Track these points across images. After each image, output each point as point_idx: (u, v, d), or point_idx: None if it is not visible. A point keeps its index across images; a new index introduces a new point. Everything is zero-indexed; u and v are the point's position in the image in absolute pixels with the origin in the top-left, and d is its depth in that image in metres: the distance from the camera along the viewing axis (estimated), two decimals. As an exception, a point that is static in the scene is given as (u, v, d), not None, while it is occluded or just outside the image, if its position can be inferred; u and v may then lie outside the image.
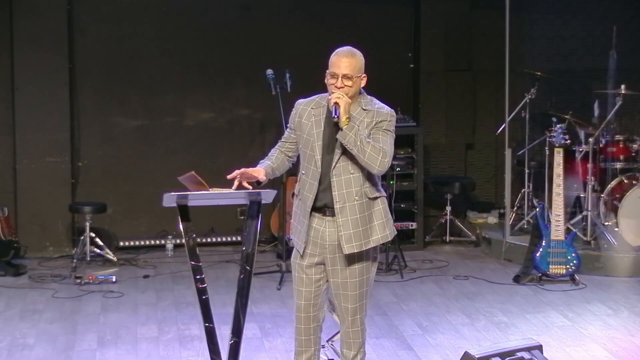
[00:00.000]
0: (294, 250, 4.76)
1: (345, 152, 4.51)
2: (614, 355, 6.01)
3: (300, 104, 4.72)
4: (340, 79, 4.48)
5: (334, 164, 4.53)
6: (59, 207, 8.84)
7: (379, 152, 4.48)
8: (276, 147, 4.85)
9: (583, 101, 9.31)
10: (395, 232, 4.78)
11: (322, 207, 4.59)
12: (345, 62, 4.50)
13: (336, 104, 4.43)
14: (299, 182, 4.70)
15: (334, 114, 4.44)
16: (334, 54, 4.56)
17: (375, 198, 4.62)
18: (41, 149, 8.85)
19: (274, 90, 8.13)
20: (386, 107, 4.61)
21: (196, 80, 9.26)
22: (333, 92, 4.49)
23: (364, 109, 4.55)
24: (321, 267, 4.68)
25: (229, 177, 4.64)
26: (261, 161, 4.81)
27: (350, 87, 4.49)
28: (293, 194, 4.83)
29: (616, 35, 8.75)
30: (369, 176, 4.58)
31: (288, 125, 4.81)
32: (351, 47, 4.59)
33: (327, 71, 4.56)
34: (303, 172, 4.64)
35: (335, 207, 4.55)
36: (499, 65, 8.77)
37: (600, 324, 6.69)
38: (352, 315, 4.70)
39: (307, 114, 4.64)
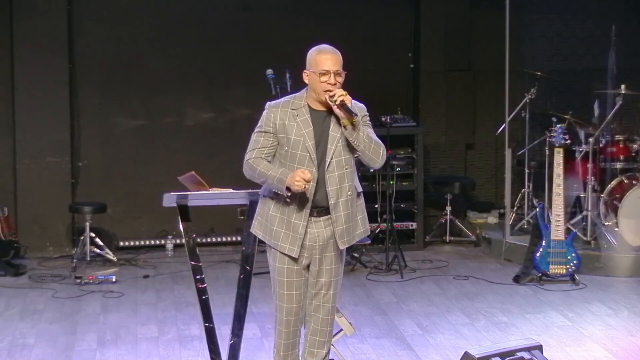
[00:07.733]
0: (278, 255, 4.61)
1: (341, 147, 4.49)
2: (614, 355, 6.00)
3: (276, 105, 4.59)
4: (332, 75, 4.46)
5: (328, 160, 4.49)
6: (59, 207, 8.84)
7: (380, 146, 4.52)
8: (257, 157, 4.59)
9: (583, 101, 9.30)
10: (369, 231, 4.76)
11: (313, 207, 4.53)
12: (334, 59, 4.50)
13: (343, 102, 4.40)
14: None
15: (353, 113, 4.39)
16: (317, 52, 4.53)
17: (360, 193, 4.65)
18: (41, 149, 8.85)
19: (274, 90, 8.12)
20: (357, 102, 4.62)
21: (196, 80, 9.25)
22: (328, 90, 4.43)
23: None
24: (307, 268, 4.65)
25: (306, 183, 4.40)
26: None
27: (340, 83, 4.49)
28: (264, 196, 4.65)
29: (616, 35, 8.74)
30: (355, 171, 4.61)
31: (261, 130, 4.58)
32: (327, 45, 4.56)
33: (312, 70, 4.51)
34: None
35: (329, 203, 4.51)
36: (499, 65, 8.76)
37: (600, 324, 6.68)
38: (331, 314, 4.68)
39: (289, 115, 4.53)
